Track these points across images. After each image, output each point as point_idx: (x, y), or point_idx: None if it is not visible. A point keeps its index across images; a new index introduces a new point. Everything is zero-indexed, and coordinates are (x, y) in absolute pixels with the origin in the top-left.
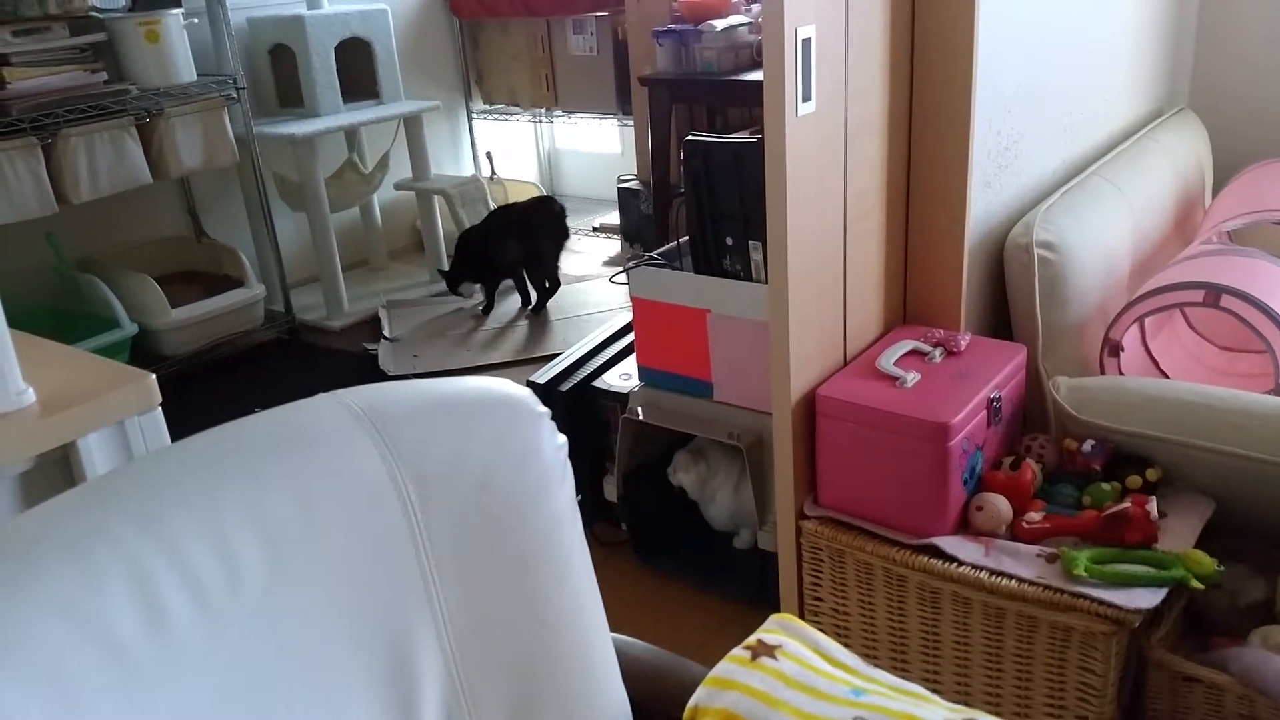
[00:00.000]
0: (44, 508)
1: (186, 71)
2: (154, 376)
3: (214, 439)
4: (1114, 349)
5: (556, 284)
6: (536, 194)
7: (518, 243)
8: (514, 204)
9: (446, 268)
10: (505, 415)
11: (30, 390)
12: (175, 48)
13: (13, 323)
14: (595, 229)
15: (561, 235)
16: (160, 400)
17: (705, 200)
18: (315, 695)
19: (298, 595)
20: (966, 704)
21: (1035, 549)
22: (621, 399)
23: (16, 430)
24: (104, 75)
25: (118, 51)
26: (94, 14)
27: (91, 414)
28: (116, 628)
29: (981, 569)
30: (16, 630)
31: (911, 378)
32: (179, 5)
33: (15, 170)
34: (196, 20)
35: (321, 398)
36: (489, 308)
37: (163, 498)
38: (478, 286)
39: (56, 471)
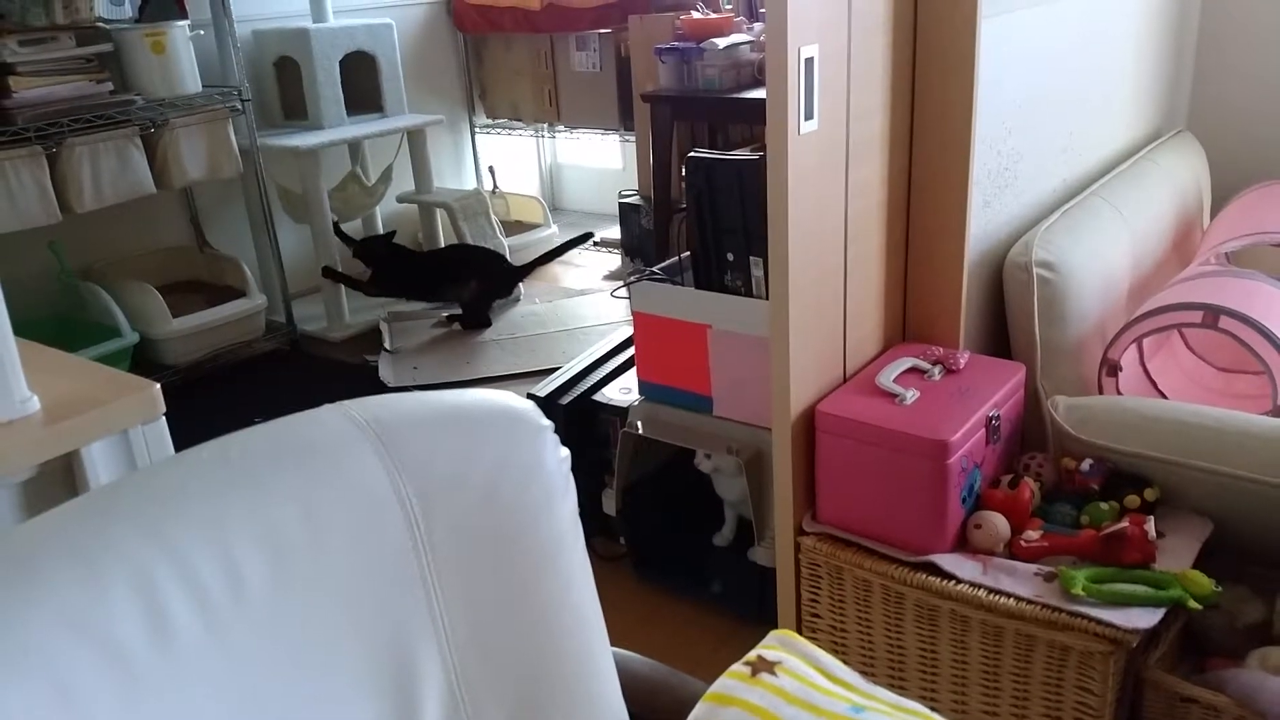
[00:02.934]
0: (50, 515)
1: (192, 82)
2: (158, 386)
3: (219, 449)
4: (1112, 369)
5: (480, 323)
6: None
7: (450, 282)
8: (467, 246)
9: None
10: (509, 428)
11: (35, 398)
12: (181, 59)
13: (15, 330)
14: (596, 243)
15: (495, 288)
16: (164, 410)
17: (707, 216)
18: (317, 706)
19: (301, 606)
20: None
21: (1033, 568)
22: (621, 413)
23: (20, 438)
24: (109, 85)
25: (124, 62)
26: (100, 24)
27: (95, 423)
28: (121, 636)
29: (979, 587)
30: (22, 638)
31: (911, 395)
32: (185, 17)
33: (20, 179)
34: (202, 32)
35: (326, 409)
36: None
37: (168, 507)
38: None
39: (59, 480)
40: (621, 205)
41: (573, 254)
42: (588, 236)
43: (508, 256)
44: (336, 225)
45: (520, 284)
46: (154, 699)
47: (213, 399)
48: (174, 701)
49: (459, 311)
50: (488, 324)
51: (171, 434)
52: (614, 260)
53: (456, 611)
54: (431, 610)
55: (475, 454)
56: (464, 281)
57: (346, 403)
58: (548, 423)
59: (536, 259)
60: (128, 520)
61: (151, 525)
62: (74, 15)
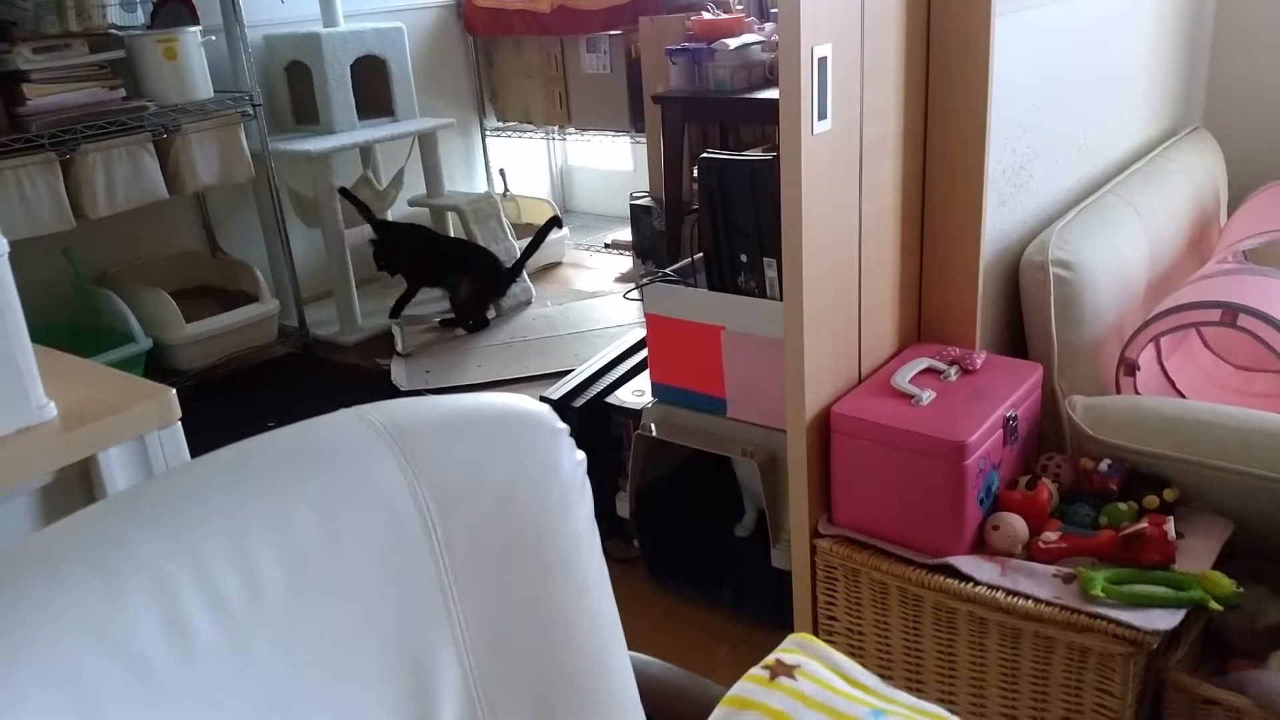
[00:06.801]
0: (69, 522)
1: (204, 88)
2: (174, 391)
3: (237, 455)
4: (1130, 368)
5: (474, 323)
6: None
7: (445, 277)
8: (466, 242)
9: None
10: (525, 431)
11: (52, 404)
12: (193, 65)
13: (30, 336)
14: (607, 245)
15: (489, 289)
16: (180, 415)
17: (720, 217)
18: (335, 711)
19: (319, 611)
20: None
21: (1052, 569)
22: (635, 415)
23: (38, 444)
24: (122, 92)
25: (136, 68)
26: (113, 31)
27: (112, 428)
28: (141, 643)
29: (998, 589)
30: (42, 644)
31: (927, 396)
32: (197, 23)
33: (34, 186)
34: (214, 38)
35: (342, 413)
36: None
37: (187, 513)
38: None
39: (76, 486)
40: (633, 207)
41: (584, 256)
42: (555, 221)
43: (517, 257)
44: (345, 191)
45: (531, 286)
46: (173, 706)
47: (226, 404)
48: (193, 708)
49: (451, 315)
50: (485, 324)
51: (185, 439)
52: (626, 262)
53: (474, 616)
54: (449, 614)
55: (491, 458)
56: (458, 279)
57: (363, 407)
58: (563, 426)
59: (520, 257)
60: (147, 527)
61: (170, 532)
62: (87, 22)
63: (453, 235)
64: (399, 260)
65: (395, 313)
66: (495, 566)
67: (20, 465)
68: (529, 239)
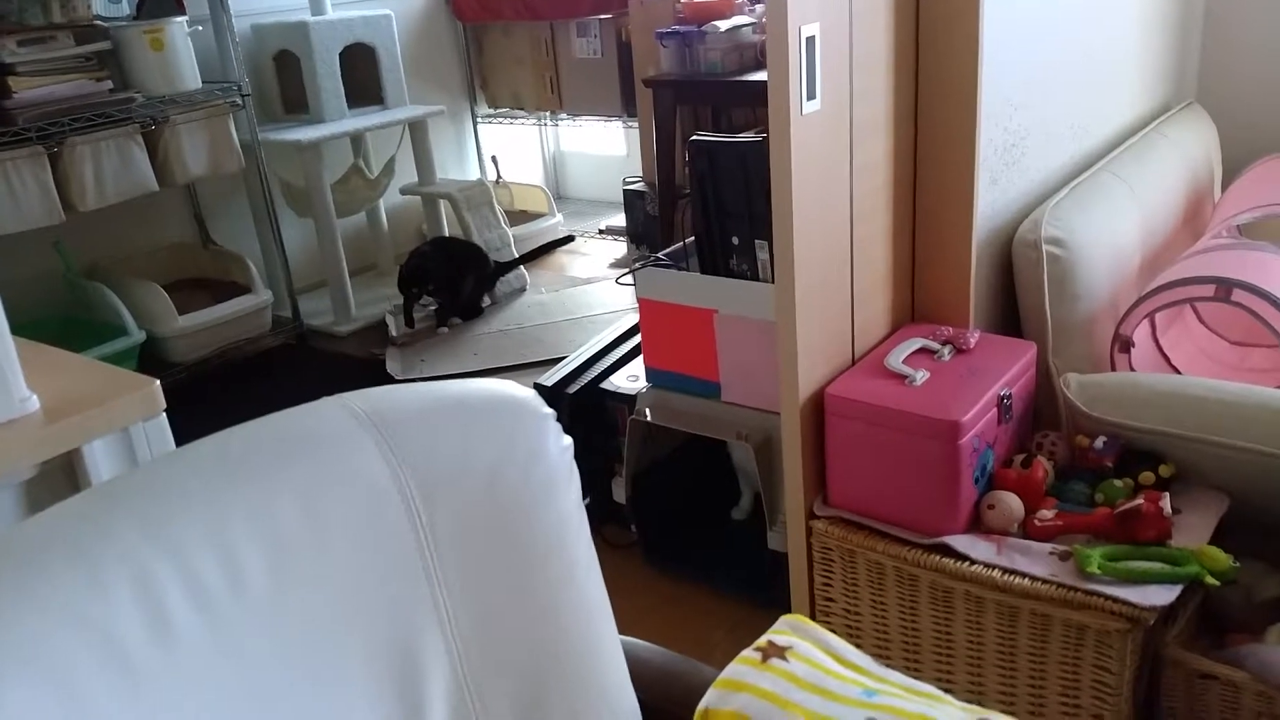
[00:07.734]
0: (50, 513)
1: (191, 79)
2: (158, 383)
3: (218, 444)
4: (1124, 345)
5: (466, 312)
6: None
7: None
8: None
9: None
10: (510, 417)
11: (34, 397)
12: (180, 55)
13: (21, 331)
14: (601, 231)
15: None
16: (165, 406)
17: (711, 200)
18: (321, 701)
19: (303, 600)
20: (980, 704)
21: (1048, 547)
22: (629, 400)
23: (20, 437)
24: (109, 83)
25: (123, 59)
26: (99, 23)
27: (96, 420)
28: (122, 633)
29: (994, 568)
30: (23, 636)
31: (921, 376)
32: (183, 13)
33: (22, 179)
34: (201, 28)
35: (325, 401)
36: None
37: (168, 503)
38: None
39: (61, 478)
40: (626, 192)
41: (578, 242)
42: (568, 239)
43: (511, 246)
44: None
45: (525, 273)
46: (156, 697)
47: (220, 396)
48: (176, 699)
49: (436, 306)
50: (479, 313)
51: (180, 432)
52: (619, 247)
53: (460, 602)
54: (435, 601)
55: (477, 444)
56: (463, 278)
57: (346, 395)
58: (549, 411)
59: (521, 257)
60: (128, 517)
61: (151, 522)
62: (72, 14)
63: (448, 234)
64: (429, 284)
65: (410, 321)
66: (482, 552)
67: (2, 458)
68: (523, 225)
